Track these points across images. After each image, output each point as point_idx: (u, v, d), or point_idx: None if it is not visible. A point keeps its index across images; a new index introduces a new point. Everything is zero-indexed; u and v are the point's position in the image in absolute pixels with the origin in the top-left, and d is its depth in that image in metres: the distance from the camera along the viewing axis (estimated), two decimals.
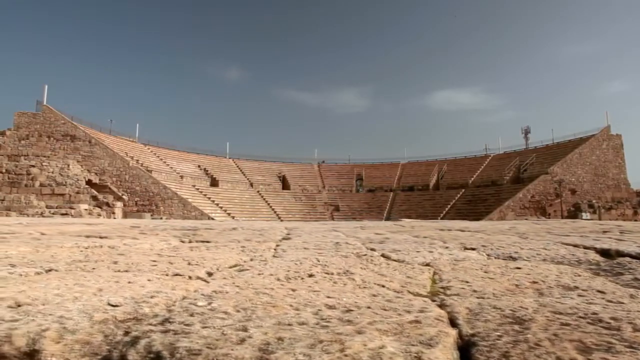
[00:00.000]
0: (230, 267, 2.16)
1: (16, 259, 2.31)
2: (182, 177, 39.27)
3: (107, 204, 30.01)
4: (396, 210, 43.09)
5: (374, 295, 1.48)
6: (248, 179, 45.39)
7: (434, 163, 48.44)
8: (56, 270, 1.93)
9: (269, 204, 42.53)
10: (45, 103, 32.11)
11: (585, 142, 36.65)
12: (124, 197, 32.56)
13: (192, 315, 1.06)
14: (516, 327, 1.08)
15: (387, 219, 40.53)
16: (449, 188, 43.36)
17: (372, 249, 3.18)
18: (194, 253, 2.70)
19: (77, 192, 28.80)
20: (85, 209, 27.01)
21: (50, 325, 0.96)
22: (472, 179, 43.10)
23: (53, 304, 1.16)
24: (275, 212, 41.44)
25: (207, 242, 3.63)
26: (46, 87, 32.45)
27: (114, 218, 27.81)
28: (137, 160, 35.86)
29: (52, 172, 28.25)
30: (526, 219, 26.56)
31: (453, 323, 1.13)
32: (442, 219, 35.71)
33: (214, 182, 42.00)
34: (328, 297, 1.39)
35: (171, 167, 40.19)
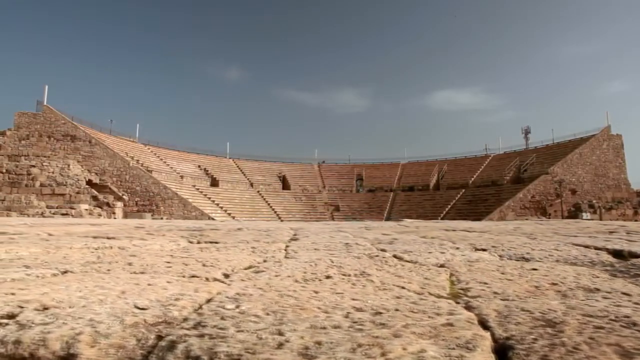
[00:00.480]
0: (246, 269, 2.15)
1: (29, 260, 2.29)
2: (182, 177, 39.24)
3: (108, 204, 29.98)
4: (396, 210, 43.09)
5: (398, 297, 1.47)
6: (248, 179, 45.37)
7: (434, 163, 48.45)
8: (72, 272, 1.92)
9: (269, 204, 42.52)
10: (45, 103, 32.08)
11: (585, 142, 36.68)
12: (124, 197, 32.53)
13: (223, 318, 1.05)
14: (549, 330, 1.07)
15: (388, 219, 40.53)
16: (449, 188, 43.37)
17: (383, 250, 3.17)
18: (205, 254, 2.69)
19: (78, 192, 28.77)
20: (86, 209, 26.98)
21: (83, 329, 0.95)
22: (473, 179, 43.12)
23: (80, 307, 1.15)
24: (275, 212, 41.42)
25: (216, 242, 3.62)
26: (46, 87, 32.44)
27: (114, 218, 27.78)
28: (138, 161, 35.83)
29: (53, 172, 28.21)
30: (527, 219, 26.58)
31: (484, 326, 1.12)
32: (442, 219, 35.72)
33: (214, 182, 41.98)
34: (353, 299, 1.38)
35: (171, 167, 40.16)
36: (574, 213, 32.40)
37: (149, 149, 41.88)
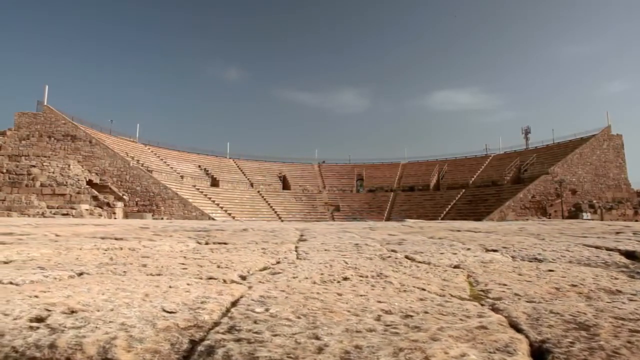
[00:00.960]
0: (261, 270, 2.14)
1: (42, 262, 2.28)
2: (182, 177, 39.21)
3: (108, 204, 29.95)
4: (397, 210, 43.09)
5: (422, 299, 1.46)
6: (248, 179, 45.35)
7: (435, 163, 48.47)
8: (88, 274, 1.90)
9: (269, 204, 42.50)
10: (45, 103, 32.03)
11: (585, 142, 36.70)
12: (124, 197, 32.50)
13: (256, 322, 1.04)
14: (583, 333, 1.06)
15: (388, 219, 40.52)
16: (450, 188, 43.38)
17: (394, 251, 3.16)
18: (217, 255, 2.68)
19: (78, 192, 28.74)
20: (86, 209, 26.95)
21: (117, 333, 0.94)
22: (473, 179, 43.14)
23: (108, 311, 1.14)
24: (275, 212, 41.40)
25: (224, 243, 3.60)
26: (47, 87, 32.39)
27: (115, 218, 27.75)
28: (138, 161, 35.80)
29: (53, 172, 28.17)
30: (527, 219, 26.59)
31: (517, 328, 1.11)
32: (442, 219, 35.73)
33: (215, 182, 41.96)
34: (378, 301, 1.37)
35: (171, 167, 40.13)
36: (574, 213, 32.41)
37: (149, 149, 41.85)
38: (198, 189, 38.75)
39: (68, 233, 4.29)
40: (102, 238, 3.83)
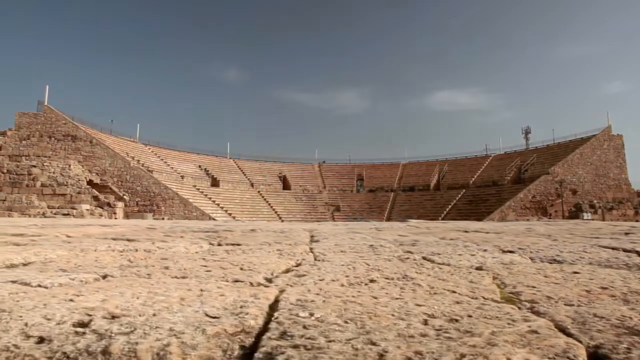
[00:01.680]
0: (285, 272, 2.12)
1: (62, 264, 2.26)
2: (182, 177, 39.17)
3: (109, 204, 29.90)
4: (397, 210, 43.10)
5: (458, 302, 1.44)
6: (249, 179, 45.32)
7: (435, 163, 48.48)
8: (112, 276, 1.88)
9: (269, 204, 42.47)
10: (46, 103, 31.96)
11: (586, 143, 36.74)
12: (125, 197, 32.44)
13: (305, 327, 1.02)
14: (636, 338, 1.05)
15: (388, 219, 40.52)
16: (450, 188, 43.40)
17: (409, 252, 3.14)
18: (236, 257, 2.66)
19: (79, 193, 28.70)
20: (87, 209, 26.91)
21: (168, 339, 0.92)
22: (473, 179, 43.16)
23: (150, 315, 1.12)
24: (276, 212, 41.38)
25: (238, 244, 3.58)
26: (47, 87, 32.32)
27: (115, 218, 27.71)
28: (138, 161, 35.75)
29: (54, 173, 28.12)
30: (527, 219, 26.60)
31: (566, 333, 1.09)
32: (443, 219, 35.73)
33: (215, 182, 41.92)
34: (417, 304, 1.35)
35: (172, 168, 40.09)
36: (575, 213, 32.44)
37: (149, 149, 41.80)
38: (198, 189, 38.70)
39: (78, 234, 4.26)
40: (114, 239, 3.80)
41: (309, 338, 0.94)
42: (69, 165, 29.47)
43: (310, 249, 3.32)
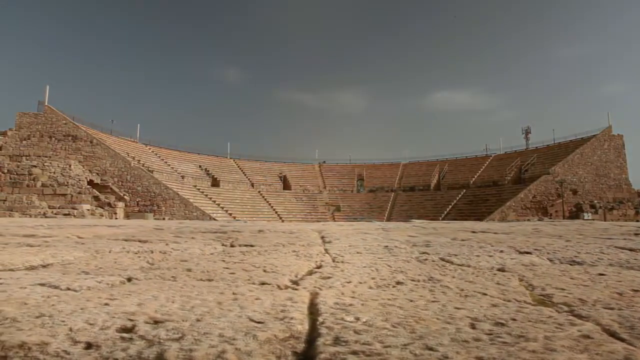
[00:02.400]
0: (308, 274, 2.10)
1: (82, 266, 2.24)
2: (183, 177, 39.12)
3: (109, 204, 29.85)
4: (397, 210, 43.10)
5: (495, 305, 1.43)
6: (249, 179, 45.29)
7: (435, 163, 48.49)
8: (137, 279, 1.86)
9: (270, 204, 42.44)
10: (47, 103, 31.89)
11: (586, 143, 36.77)
12: (125, 197, 32.40)
13: (357, 332, 1.01)
14: None
15: (389, 219, 40.51)
16: (450, 188, 43.41)
17: (425, 253, 3.13)
18: (255, 259, 2.64)
19: (79, 193, 28.64)
20: (88, 210, 26.86)
21: (223, 346, 0.90)
22: (474, 179, 43.17)
23: (194, 321, 1.10)
24: (276, 212, 41.35)
25: (251, 245, 3.57)
26: (48, 87, 32.25)
27: (116, 218, 27.65)
28: (139, 161, 35.69)
29: (54, 173, 28.06)
30: (528, 220, 26.61)
31: (617, 337, 1.07)
32: (443, 219, 35.74)
33: (215, 183, 41.87)
34: (456, 308, 1.34)
35: (172, 168, 40.04)
36: (575, 213, 32.48)
37: (149, 149, 41.74)
38: (199, 189, 38.66)
39: (89, 235, 4.24)
40: (126, 240, 3.78)
41: (364, 344, 0.92)
42: (70, 165, 29.41)
43: (325, 250, 3.30)
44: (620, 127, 51.97)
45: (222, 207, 37.48)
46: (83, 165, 31.04)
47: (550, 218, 30.25)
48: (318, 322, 1.10)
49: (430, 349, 0.90)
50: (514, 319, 1.20)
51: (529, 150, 43.72)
